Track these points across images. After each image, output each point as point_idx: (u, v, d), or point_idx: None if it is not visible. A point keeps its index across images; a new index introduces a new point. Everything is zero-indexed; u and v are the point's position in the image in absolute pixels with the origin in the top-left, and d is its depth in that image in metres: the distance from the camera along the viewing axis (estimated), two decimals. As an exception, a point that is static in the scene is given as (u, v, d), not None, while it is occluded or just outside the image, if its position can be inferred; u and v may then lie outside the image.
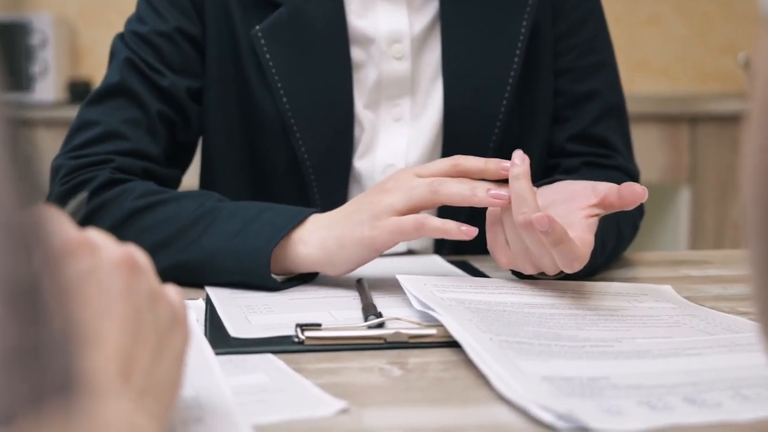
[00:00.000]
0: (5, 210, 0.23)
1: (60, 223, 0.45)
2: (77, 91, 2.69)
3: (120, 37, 1.07)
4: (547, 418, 0.52)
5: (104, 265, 0.44)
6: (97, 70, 2.85)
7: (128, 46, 1.05)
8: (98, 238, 0.46)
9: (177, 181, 1.09)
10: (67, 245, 0.44)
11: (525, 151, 1.07)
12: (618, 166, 1.10)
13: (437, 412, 0.56)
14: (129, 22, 1.08)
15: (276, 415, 0.54)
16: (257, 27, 1.03)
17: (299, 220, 0.88)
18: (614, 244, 0.97)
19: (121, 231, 0.89)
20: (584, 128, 1.10)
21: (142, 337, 0.44)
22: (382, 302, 0.81)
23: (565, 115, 1.11)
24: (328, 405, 0.56)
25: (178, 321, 0.48)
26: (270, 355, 0.66)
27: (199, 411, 0.53)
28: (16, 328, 0.23)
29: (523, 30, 1.05)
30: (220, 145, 1.09)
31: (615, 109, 1.12)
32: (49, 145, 2.65)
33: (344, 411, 0.55)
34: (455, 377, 0.62)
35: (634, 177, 1.11)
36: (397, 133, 1.07)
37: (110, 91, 1.03)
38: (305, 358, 0.66)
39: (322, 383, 0.60)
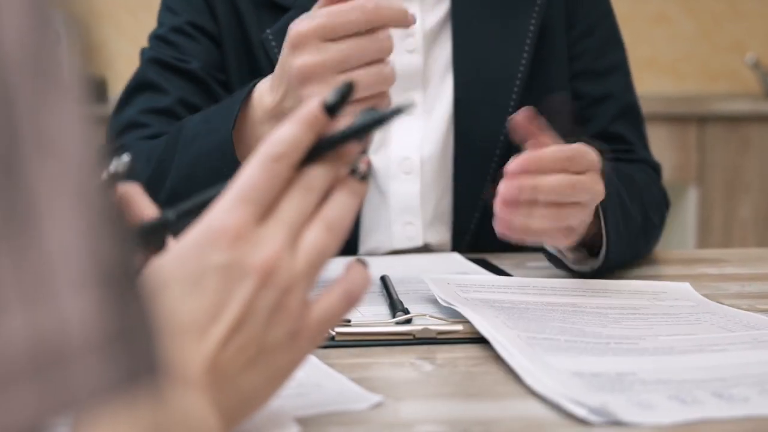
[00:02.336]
0: (95, 194, 0.25)
1: (222, 206, 0.45)
2: (88, 89, 2.71)
3: (145, 48, 1.11)
4: (580, 412, 0.54)
5: (239, 267, 0.44)
6: (107, 69, 2.87)
7: (150, 48, 1.10)
8: (252, 232, 0.45)
9: None
10: (216, 230, 0.44)
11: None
12: (641, 159, 1.14)
13: (472, 406, 0.57)
14: (151, 33, 1.13)
15: (314, 408, 0.56)
16: (268, 30, 1.05)
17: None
18: (639, 227, 0.99)
19: None
20: (603, 128, 1.13)
21: (243, 346, 0.44)
22: (406, 298, 0.82)
23: (585, 117, 1.13)
24: (364, 399, 0.57)
25: (295, 342, 0.47)
26: (302, 351, 0.67)
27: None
28: (110, 312, 0.24)
29: (531, 27, 1.08)
30: None
31: (630, 109, 1.16)
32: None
33: (380, 405, 0.57)
34: (485, 372, 0.64)
35: (656, 169, 1.15)
36: (410, 126, 1.08)
37: (131, 91, 1.08)
38: (335, 353, 0.68)
39: (355, 378, 0.61)
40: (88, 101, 0.26)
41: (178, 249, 0.45)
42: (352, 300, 0.48)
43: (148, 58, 1.09)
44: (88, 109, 0.26)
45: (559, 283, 0.87)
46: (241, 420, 0.47)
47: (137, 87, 1.08)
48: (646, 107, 2.90)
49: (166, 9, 1.11)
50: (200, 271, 0.44)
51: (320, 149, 0.48)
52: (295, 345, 0.47)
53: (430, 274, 0.86)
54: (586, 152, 0.83)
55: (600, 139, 1.12)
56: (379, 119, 0.49)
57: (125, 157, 0.54)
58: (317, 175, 0.47)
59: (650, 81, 3.07)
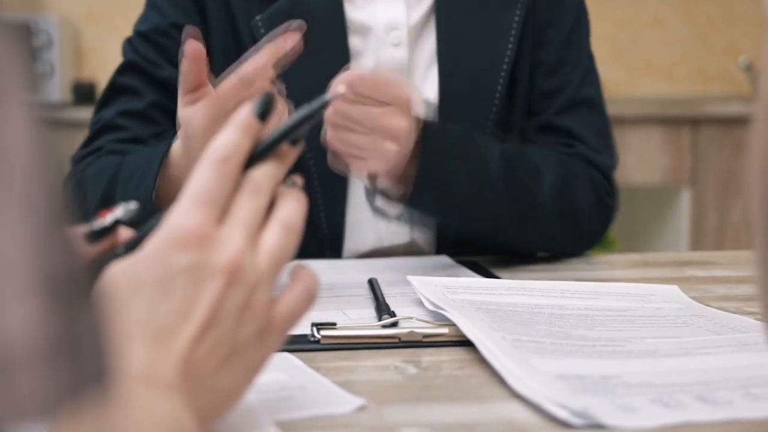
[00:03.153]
0: (41, 201, 0.25)
1: (181, 210, 0.46)
2: (82, 92, 2.71)
3: (128, 41, 1.12)
4: (562, 414, 0.53)
5: (205, 267, 0.45)
6: (101, 72, 2.86)
7: (131, 46, 1.11)
8: (213, 233, 0.46)
9: None
10: (178, 233, 0.45)
11: (508, 140, 1.09)
12: (578, 154, 1.10)
13: (455, 409, 0.57)
14: (136, 23, 1.13)
15: (297, 412, 0.55)
16: (257, 17, 1.06)
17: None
18: (495, 195, 1.00)
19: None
20: (548, 119, 1.11)
21: (215, 346, 0.45)
22: (394, 301, 0.82)
23: (536, 108, 1.12)
24: (348, 402, 0.57)
25: (264, 339, 0.48)
26: (288, 354, 0.67)
27: (222, 407, 0.55)
28: (55, 321, 0.24)
29: (516, 19, 1.08)
30: None
31: (584, 103, 1.12)
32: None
33: (363, 408, 0.57)
34: (470, 375, 0.64)
35: (600, 168, 1.11)
36: None
37: (110, 93, 1.11)
38: (321, 356, 0.68)
39: (339, 381, 0.61)
40: (36, 106, 0.26)
41: (143, 254, 0.45)
42: (311, 296, 0.50)
43: (128, 61, 1.10)
44: (37, 113, 0.25)
45: (546, 285, 0.87)
46: (216, 418, 0.47)
47: (116, 89, 1.10)
48: (640, 110, 2.91)
49: (153, 7, 1.12)
50: (167, 274, 0.44)
51: (259, 155, 0.49)
52: (265, 342, 0.48)
53: (416, 276, 0.86)
54: (392, 86, 0.89)
55: (545, 130, 1.11)
56: (305, 116, 0.51)
57: (132, 205, 0.56)
58: (262, 176, 0.49)
59: (646, 84, 3.08)
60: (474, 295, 0.81)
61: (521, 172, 1.02)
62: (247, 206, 0.47)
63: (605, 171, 1.11)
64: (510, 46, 1.08)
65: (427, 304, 0.78)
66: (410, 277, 0.85)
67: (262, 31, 1.05)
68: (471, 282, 0.89)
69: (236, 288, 0.45)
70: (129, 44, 1.12)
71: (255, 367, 0.48)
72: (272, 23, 1.04)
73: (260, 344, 0.47)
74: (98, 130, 1.09)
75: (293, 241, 0.49)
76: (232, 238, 0.46)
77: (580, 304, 0.81)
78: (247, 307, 0.46)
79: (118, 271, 0.45)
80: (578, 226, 1.07)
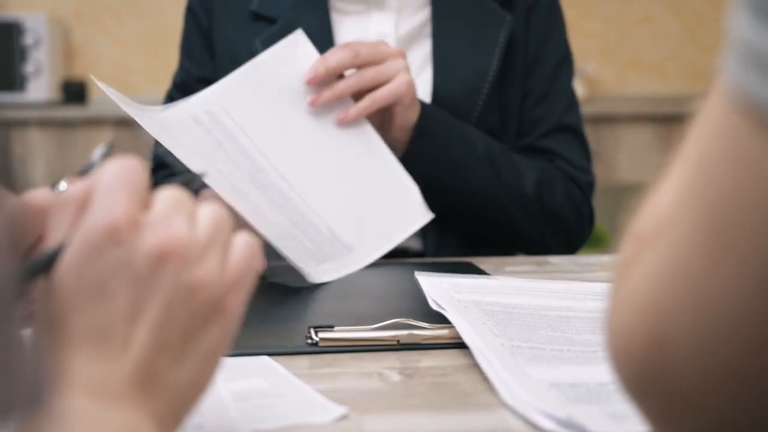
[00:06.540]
0: None
1: (100, 204, 0.41)
2: (71, 90, 2.68)
3: (168, 90, 1.27)
4: (548, 425, 0.52)
5: (142, 254, 0.40)
6: (91, 70, 2.84)
7: (169, 97, 1.24)
8: (142, 216, 0.41)
9: None
10: (101, 226, 0.40)
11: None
12: (559, 168, 1.19)
13: (438, 418, 0.56)
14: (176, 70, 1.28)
15: (276, 421, 0.54)
16: (258, 40, 1.16)
17: None
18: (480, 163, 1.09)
19: None
20: (533, 141, 1.21)
21: (167, 338, 0.41)
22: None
23: (524, 131, 1.22)
24: (329, 411, 0.56)
25: (218, 313, 0.43)
26: (269, 360, 0.66)
27: (199, 417, 0.53)
28: None
29: (501, 38, 1.17)
30: None
31: (567, 129, 1.23)
32: (43, 144, 2.64)
33: (345, 417, 0.55)
34: (454, 382, 0.62)
35: (579, 183, 1.20)
36: None
37: None
38: (303, 363, 0.66)
39: (322, 389, 0.60)
40: None
41: (71, 260, 0.40)
42: (253, 244, 0.45)
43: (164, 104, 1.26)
44: None
45: (555, 285, 0.85)
46: (186, 413, 0.43)
47: None
48: (631, 108, 2.91)
49: (181, 58, 1.25)
50: (102, 275, 0.40)
51: None
52: (222, 313, 0.43)
53: (424, 273, 0.85)
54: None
55: (529, 151, 1.21)
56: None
57: (99, 150, 0.52)
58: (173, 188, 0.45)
59: (635, 81, 3.06)
60: (481, 296, 0.79)
61: (504, 163, 1.12)
62: (170, 192, 0.43)
63: (583, 186, 1.20)
64: (494, 61, 1.16)
65: (432, 304, 0.76)
66: (418, 274, 0.83)
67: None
68: (479, 282, 0.87)
69: (180, 267, 0.41)
70: (168, 94, 1.25)
71: (217, 348, 0.43)
72: (270, 45, 1.13)
73: (218, 318, 0.43)
74: (155, 167, 1.22)
75: (228, 215, 0.45)
76: (167, 215, 0.42)
77: (589, 306, 0.79)
78: (196, 286, 0.41)
79: (51, 283, 0.41)
80: (557, 226, 1.16)
